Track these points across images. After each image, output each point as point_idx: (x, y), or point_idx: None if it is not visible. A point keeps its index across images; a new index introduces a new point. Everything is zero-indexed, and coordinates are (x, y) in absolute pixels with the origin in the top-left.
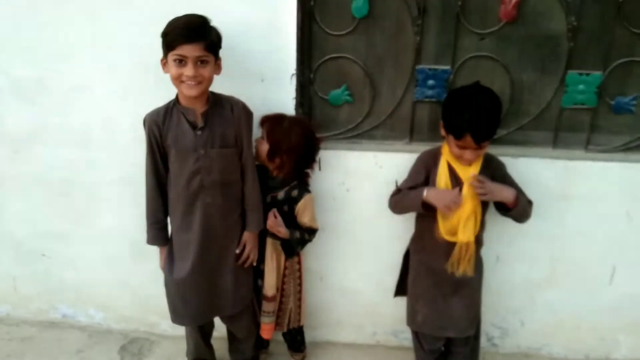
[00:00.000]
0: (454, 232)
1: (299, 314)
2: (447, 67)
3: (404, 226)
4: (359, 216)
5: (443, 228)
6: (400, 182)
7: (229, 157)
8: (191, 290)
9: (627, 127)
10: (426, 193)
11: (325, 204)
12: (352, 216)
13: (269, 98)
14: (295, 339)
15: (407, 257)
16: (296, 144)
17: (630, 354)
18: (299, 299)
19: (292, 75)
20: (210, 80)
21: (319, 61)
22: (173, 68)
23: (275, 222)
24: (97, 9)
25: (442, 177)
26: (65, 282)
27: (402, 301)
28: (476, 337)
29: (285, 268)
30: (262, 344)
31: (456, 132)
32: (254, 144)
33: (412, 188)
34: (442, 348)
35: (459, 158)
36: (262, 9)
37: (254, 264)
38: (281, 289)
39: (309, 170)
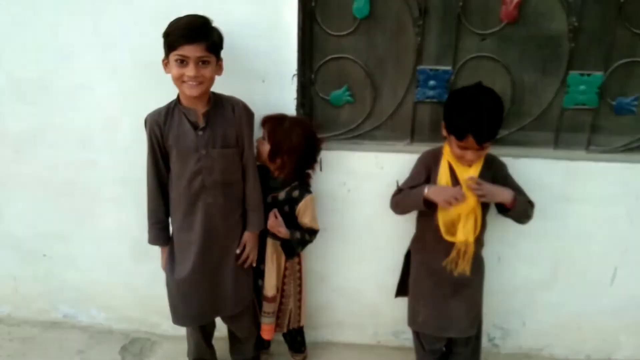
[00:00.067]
0: (454, 232)
1: (299, 314)
2: (448, 68)
3: (405, 227)
4: (360, 217)
5: (443, 228)
6: (401, 182)
7: (230, 158)
8: (192, 290)
9: (628, 127)
10: (427, 190)
11: (326, 204)
12: (353, 217)
13: (270, 98)
14: (296, 339)
15: (408, 257)
16: (297, 144)
17: (632, 355)
18: (299, 300)
19: (293, 75)
20: (211, 81)
21: (320, 62)
22: (174, 68)
23: (275, 222)
24: (99, 9)
25: (443, 177)
26: (67, 282)
27: (403, 301)
28: (477, 337)
29: (285, 269)
30: (263, 345)
31: (458, 133)
32: (255, 144)
33: (413, 188)
34: (443, 348)
35: (460, 158)
36: (263, 9)
37: (254, 264)
38: (281, 290)
39: (310, 171)
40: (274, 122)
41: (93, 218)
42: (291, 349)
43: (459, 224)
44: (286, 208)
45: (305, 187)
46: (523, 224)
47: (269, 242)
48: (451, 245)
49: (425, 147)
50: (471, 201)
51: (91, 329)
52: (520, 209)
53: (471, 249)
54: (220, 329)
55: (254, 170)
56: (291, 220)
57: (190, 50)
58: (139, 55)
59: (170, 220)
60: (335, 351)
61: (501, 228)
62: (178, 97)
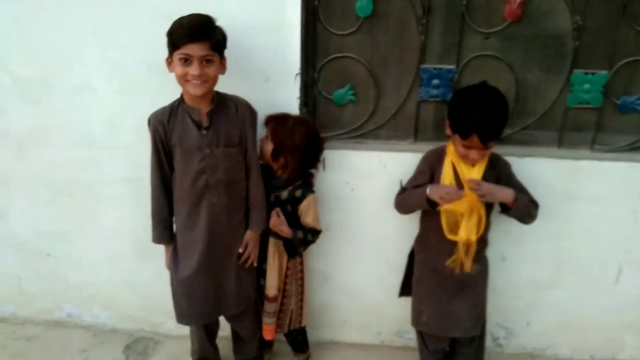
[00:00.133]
0: (456, 231)
1: (301, 315)
2: (452, 67)
3: (408, 226)
4: (363, 216)
5: (446, 227)
6: (404, 181)
7: (234, 157)
8: (196, 289)
9: (632, 126)
10: (429, 190)
11: (329, 203)
12: (357, 216)
13: (273, 98)
14: (297, 339)
15: (411, 257)
16: (300, 143)
17: (637, 355)
18: (301, 300)
19: (296, 74)
20: (215, 80)
21: (323, 61)
22: (178, 67)
23: (278, 221)
24: (101, 8)
25: (447, 177)
26: (70, 281)
27: (407, 301)
28: (481, 337)
29: (287, 268)
30: (266, 344)
31: (462, 132)
32: (258, 143)
33: (416, 188)
34: (447, 348)
35: (464, 158)
36: (266, 8)
37: (254, 264)
38: (283, 290)
39: (313, 170)
40: (277, 121)
41: (96, 217)
42: (293, 349)
43: (462, 222)
44: (289, 207)
45: (308, 187)
46: (527, 224)
47: (271, 241)
48: (454, 244)
49: (428, 146)
50: (471, 199)
51: (94, 328)
52: (522, 208)
53: (473, 248)
54: (224, 328)
55: (257, 169)
56: (294, 219)
57: (194, 49)
58: (141, 54)
59: (174, 219)
60: (339, 351)
61: (505, 228)
62: (182, 96)
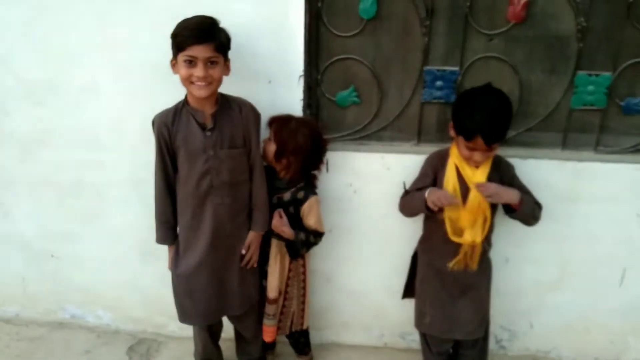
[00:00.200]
0: (460, 233)
1: (302, 317)
2: (456, 68)
3: (411, 228)
4: (366, 217)
5: (450, 229)
6: (408, 184)
7: (238, 158)
8: (198, 288)
9: (637, 128)
10: (427, 194)
11: (332, 205)
12: (360, 217)
13: (276, 99)
14: (299, 341)
15: (414, 258)
16: (303, 144)
17: None
18: (303, 302)
19: (300, 76)
20: (219, 81)
21: (327, 62)
22: (183, 69)
23: (280, 222)
24: (106, 10)
25: (450, 179)
26: (74, 282)
27: (410, 303)
28: (484, 339)
29: (289, 270)
30: (269, 345)
31: (467, 134)
32: (261, 144)
33: (419, 190)
34: (450, 350)
35: (468, 159)
36: (270, 10)
37: (255, 264)
38: (285, 292)
39: (316, 172)
40: (280, 123)
41: (100, 219)
42: (295, 351)
43: (467, 224)
44: (291, 209)
45: (310, 188)
46: (530, 225)
47: (274, 242)
48: (458, 246)
49: (432, 148)
50: (476, 206)
51: (98, 329)
52: (527, 210)
53: (479, 250)
54: (227, 329)
55: (261, 170)
56: (296, 221)
57: (199, 51)
58: (146, 56)
59: (177, 219)
60: (341, 352)
61: (509, 229)
62: (186, 98)
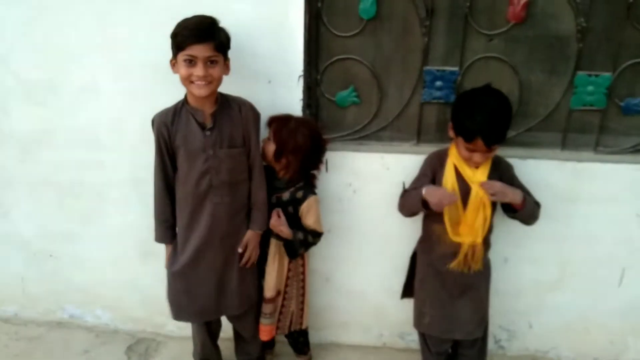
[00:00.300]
0: (460, 233)
1: (301, 317)
2: (455, 69)
3: (411, 227)
4: (365, 217)
5: (450, 229)
6: (407, 184)
7: (237, 157)
8: (195, 285)
9: (636, 128)
10: (425, 191)
11: (331, 205)
12: (359, 217)
13: (276, 99)
14: (298, 341)
15: (414, 258)
16: (302, 144)
17: None
18: (302, 302)
19: (300, 76)
20: (219, 81)
21: (326, 62)
22: (183, 68)
23: (278, 221)
24: (106, 10)
25: (449, 179)
26: (73, 282)
27: (409, 303)
28: (483, 339)
29: (289, 270)
30: (268, 345)
31: (467, 135)
32: (261, 144)
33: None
34: (449, 350)
35: (467, 160)
36: (269, 10)
37: (254, 264)
38: (284, 291)
39: (315, 172)
40: (280, 122)
41: (99, 218)
42: (294, 351)
43: (467, 224)
44: (290, 209)
45: (309, 188)
46: (530, 225)
47: (272, 242)
48: (458, 246)
49: (431, 148)
50: (477, 207)
51: (97, 329)
52: (529, 210)
53: (479, 250)
54: (226, 329)
55: (261, 169)
56: (295, 221)
57: (199, 50)
58: (146, 56)
59: (176, 218)
60: (340, 352)
61: (508, 229)
62: (185, 97)
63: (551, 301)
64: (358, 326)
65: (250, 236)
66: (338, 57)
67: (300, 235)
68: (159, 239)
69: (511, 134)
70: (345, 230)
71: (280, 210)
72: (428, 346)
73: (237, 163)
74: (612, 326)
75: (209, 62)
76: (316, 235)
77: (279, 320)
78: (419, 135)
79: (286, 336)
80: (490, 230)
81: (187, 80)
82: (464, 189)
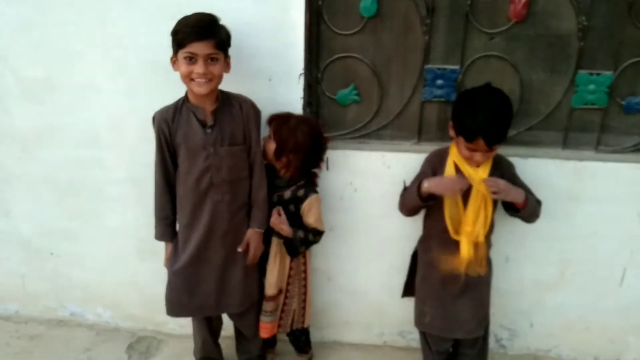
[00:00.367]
0: (461, 232)
1: (303, 315)
2: (456, 67)
3: (411, 226)
4: (366, 216)
5: (451, 228)
6: (408, 182)
7: (238, 155)
8: (194, 282)
9: (637, 127)
10: (427, 184)
11: (332, 203)
12: (360, 216)
13: (276, 97)
14: (299, 339)
15: (414, 257)
16: (303, 142)
17: None
18: (304, 301)
19: (300, 74)
20: (220, 78)
21: (327, 60)
22: (183, 66)
23: (278, 220)
24: (106, 8)
25: None
26: (73, 280)
27: (410, 302)
28: (485, 338)
29: (290, 268)
30: (270, 343)
31: (468, 135)
32: (262, 142)
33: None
34: (450, 349)
35: (468, 160)
36: (270, 8)
37: (256, 262)
38: (285, 290)
39: (316, 170)
40: (280, 121)
41: (99, 217)
42: (296, 349)
43: (468, 223)
44: (291, 207)
45: (311, 187)
46: (531, 223)
47: (274, 240)
48: (459, 245)
49: (432, 147)
50: (478, 204)
51: (97, 327)
52: (531, 208)
53: (482, 249)
54: (227, 327)
55: (261, 167)
56: (297, 219)
57: (199, 48)
58: (145, 54)
59: (177, 216)
60: (341, 351)
61: (509, 228)
62: (186, 94)
63: (552, 300)
64: (359, 325)
65: (251, 235)
66: (339, 55)
67: (300, 234)
68: (159, 236)
69: (512, 132)
70: (346, 229)
71: (280, 208)
72: (429, 345)
73: (237, 161)
74: (613, 325)
75: (210, 59)
76: (317, 234)
77: (280, 318)
78: (420, 134)
79: (288, 335)
80: (491, 229)
81: (188, 78)
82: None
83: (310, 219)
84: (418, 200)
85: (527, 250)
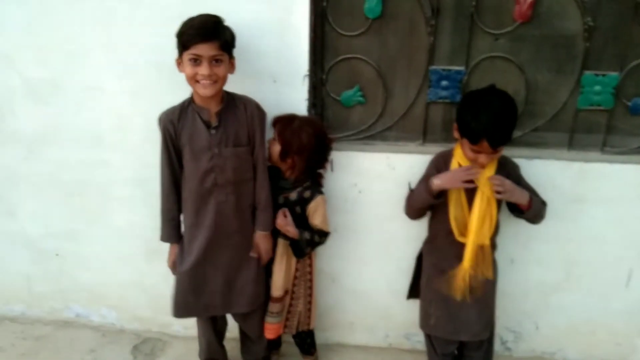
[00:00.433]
0: (466, 234)
1: (309, 317)
2: (461, 68)
3: (416, 228)
4: (371, 217)
5: (456, 230)
6: (413, 184)
7: (242, 156)
8: (201, 282)
9: None
10: (438, 181)
11: (337, 205)
12: (365, 217)
13: (281, 99)
14: (305, 341)
15: (419, 259)
16: (307, 143)
17: None
18: (309, 302)
19: (305, 76)
20: (224, 79)
21: (332, 62)
22: (188, 67)
23: (284, 221)
24: (110, 9)
25: None
26: (79, 281)
27: (415, 304)
28: (490, 341)
29: (296, 270)
30: (275, 345)
31: (472, 137)
32: (266, 144)
33: None
34: (456, 352)
35: (473, 161)
36: (274, 9)
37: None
38: (291, 291)
39: (321, 171)
40: (284, 122)
41: (105, 217)
42: (301, 351)
43: (473, 224)
44: (297, 209)
45: (317, 188)
46: (536, 224)
47: (280, 242)
48: (464, 247)
49: (437, 148)
50: (483, 206)
51: (103, 328)
52: (535, 210)
53: (488, 252)
54: (232, 329)
55: (264, 168)
56: (303, 221)
57: (204, 49)
58: (150, 55)
59: (182, 217)
60: (346, 353)
61: (514, 230)
62: (192, 96)
63: (558, 302)
64: (364, 327)
65: (259, 238)
66: (343, 57)
67: (306, 235)
68: (165, 237)
69: (517, 134)
70: (350, 231)
71: (286, 210)
72: (434, 347)
73: (242, 162)
74: (619, 328)
75: (214, 61)
76: (323, 235)
77: (287, 319)
78: (425, 135)
79: (293, 337)
80: (496, 231)
81: (193, 80)
82: (469, 189)
83: (316, 220)
84: (429, 198)
85: (533, 252)
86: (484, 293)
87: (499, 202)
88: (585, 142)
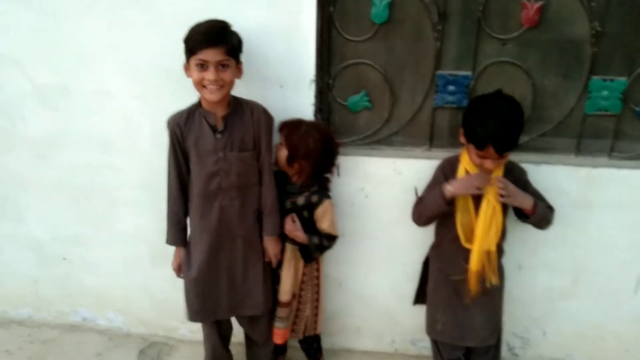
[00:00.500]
0: (473, 240)
1: (315, 322)
2: (468, 73)
3: (423, 233)
4: (377, 222)
5: (462, 235)
6: (419, 189)
7: (248, 161)
8: (207, 285)
9: None
10: (452, 188)
11: (343, 210)
12: (371, 222)
13: (288, 104)
14: (311, 346)
15: (426, 264)
16: (314, 148)
17: None
18: (316, 307)
19: (311, 81)
20: (231, 84)
21: (338, 67)
22: (195, 72)
23: (293, 227)
24: (119, 15)
25: None
26: (86, 285)
27: (422, 309)
28: (497, 346)
29: (303, 274)
30: (281, 350)
31: (478, 143)
32: (273, 149)
33: None
34: (462, 357)
35: (479, 167)
36: (281, 14)
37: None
38: (298, 296)
39: (329, 175)
40: (291, 127)
41: (112, 222)
42: (307, 356)
43: (479, 230)
44: (305, 213)
45: (324, 192)
46: (543, 229)
47: (288, 247)
48: (470, 253)
49: (444, 153)
50: (490, 211)
51: (109, 332)
52: (540, 215)
53: (494, 258)
54: (237, 333)
55: (270, 173)
56: (310, 225)
57: (211, 54)
58: (158, 60)
59: (188, 221)
60: (352, 358)
61: (521, 236)
62: (199, 100)
63: (565, 308)
64: (370, 332)
65: (267, 242)
66: (350, 62)
67: (315, 240)
68: (171, 241)
69: (525, 139)
70: (357, 235)
71: (294, 215)
72: (440, 353)
73: (247, 166)
74: (628, 334)
75: (221, 66)
76: (331, 239)
77: (294, 323)
78: (432, 140)
79: (300, 342)
80: (503, 236)
81: (200, 85)
82: (476, 195)
83: (324, 225)
84: (443, 205)
85: (540, 258)
86: (491, 299)
87: (505, 208)
88: (593, 147)
